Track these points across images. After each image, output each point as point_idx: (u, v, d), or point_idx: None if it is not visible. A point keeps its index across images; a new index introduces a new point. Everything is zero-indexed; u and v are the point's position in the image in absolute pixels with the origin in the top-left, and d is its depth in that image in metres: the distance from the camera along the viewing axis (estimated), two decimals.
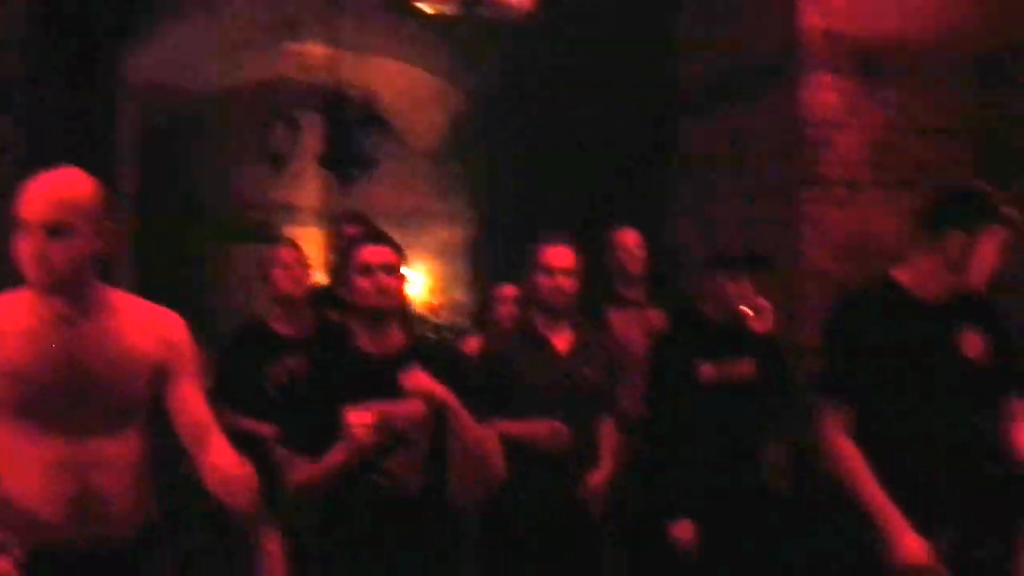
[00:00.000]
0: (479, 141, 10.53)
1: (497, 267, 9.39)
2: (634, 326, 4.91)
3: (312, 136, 9.62)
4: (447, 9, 7.89)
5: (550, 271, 4.06)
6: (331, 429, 2.93)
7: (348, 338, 3.17)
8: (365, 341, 3.14)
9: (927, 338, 3.14)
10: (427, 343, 3.33)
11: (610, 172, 7.49)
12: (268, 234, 12.10)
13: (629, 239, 5.14)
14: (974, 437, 3.22)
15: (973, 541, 3.14)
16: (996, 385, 3.25)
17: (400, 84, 10.90)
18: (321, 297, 5.01)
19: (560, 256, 4.08)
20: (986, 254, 3.10)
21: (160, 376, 2.83)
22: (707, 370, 4.20)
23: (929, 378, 3.13)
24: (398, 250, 3.20)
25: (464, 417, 3.03)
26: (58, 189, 2.63)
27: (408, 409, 3.02)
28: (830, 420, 3.17)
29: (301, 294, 4.66)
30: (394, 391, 2.97)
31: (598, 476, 4.06)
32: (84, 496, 2.68)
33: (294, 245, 4.85)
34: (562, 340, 4.13)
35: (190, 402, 2.86)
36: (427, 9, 7.90)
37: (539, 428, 3.95)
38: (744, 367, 4.22)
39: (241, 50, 10.24)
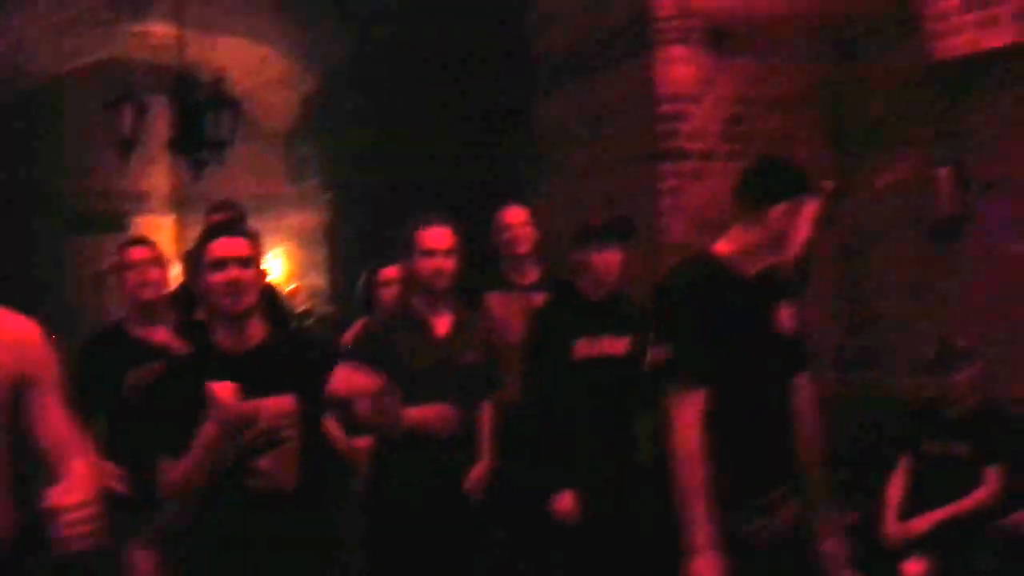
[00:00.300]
0: (332, 122, 10.36)
1: (352, 250, 9.29)
2: (515, 309, 4.74)
3: (161, 120, 9.28)
4: None
5: (428, 252, 4.00)
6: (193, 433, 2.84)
7: (208, 336, 3.05)
8: (224, 338, 3.01)
9: (750, 313, 3.13)
10: (291, 336, 3.20)
11: (467, 150, 7.44)
12: (118, 223, 11.72)
13: (513, 217, 4.92)
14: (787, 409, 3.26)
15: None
16: (798, 358, 3.28)
17: (250, 64, 10.63)
18: (183, 294, 4.82)
19: (438, 237, 4.02)
20: (803, 226, 3.11)
21: (17, 391, 2.58)
22: (582, 346, 4.21)
23: (755, 353, 3.13)
24: (254, 240, 3.08)
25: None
26: None
27: (276, 405, 2.94)
28: (676, 407, 3.01)
29: (156, 296, 4.40)
30: (258, 388, 2.89)
31: (478, 470, 4.05)
32: None
33: (145, 243, 4.58)
34: (442, 323, 4.08)
35: (50, 421, 2.63)
36: None
37: (427, 412, 3.91)
38: (619, 343, 4.23)
39: (84, 30, 9.85)
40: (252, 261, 3.00)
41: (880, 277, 5.53)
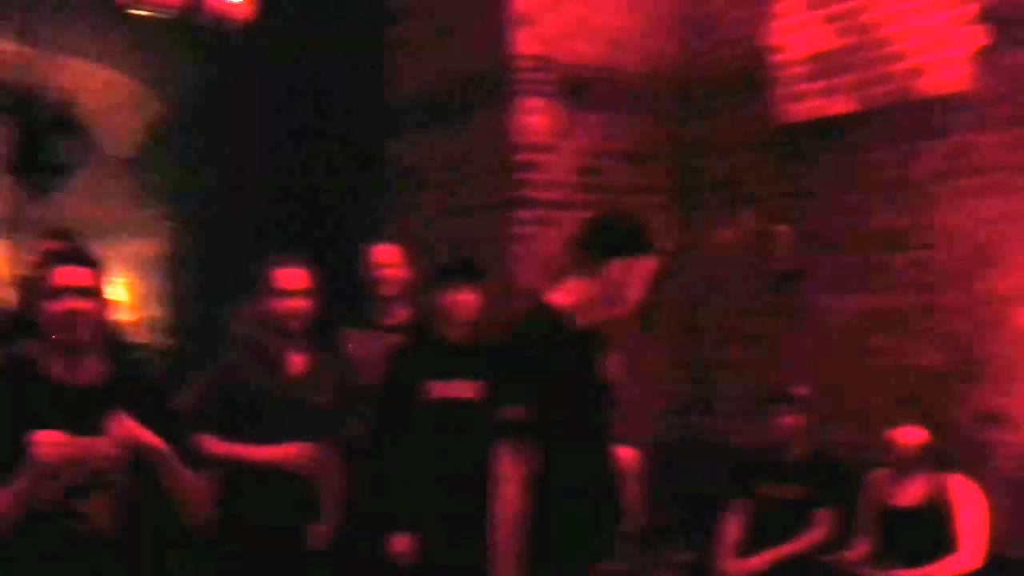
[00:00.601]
0: (180, 150, 10.18)
1: (195, 282, 9.11)
2: (373, 349, 4.63)
3: (0, 140, 8.97)
4: (163, 13, 7.58)
5: (282, 293, 3.94)
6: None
7: (37, 366, 2.90)
8: (59, 370, 2.87)
9: (580, 364, 3.23)
10: (129, 376, 3.08)
11: (319, 187, 7.41)
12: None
13: (383, 256, 4.78)
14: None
15: None
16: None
17: (97, 87, 10.36)
18: (14, 322, 4.65)
19: (293, 278, 3.97)
20: (637, 283, 3.21)
21: None
22: (435, 388, 4.25)
23: (585, 403, 3.23)
24: (97, 270, 2.94)
25: (171, 461, 2.90)
26: None
27: (104, 446, 2.82)
28: (511, 461, 3.10)
29: None
30: (90, 427, 2.78)
31: (322, 528, 4.01)
32: None
33: None
34: (296, 363, 4.04)
35: None
36: (142, 12, 7.55)
37: (286, 451, 3.87)
38: (471, 387, 4.20)
39: None
40: (93, 292, 2.88)
41: (720, 327, 5.77)
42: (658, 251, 3.24)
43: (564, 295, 3.24)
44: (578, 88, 5.61)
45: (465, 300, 4.30)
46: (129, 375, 3.10)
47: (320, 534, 4.00)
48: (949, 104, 4.70)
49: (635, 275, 3.19)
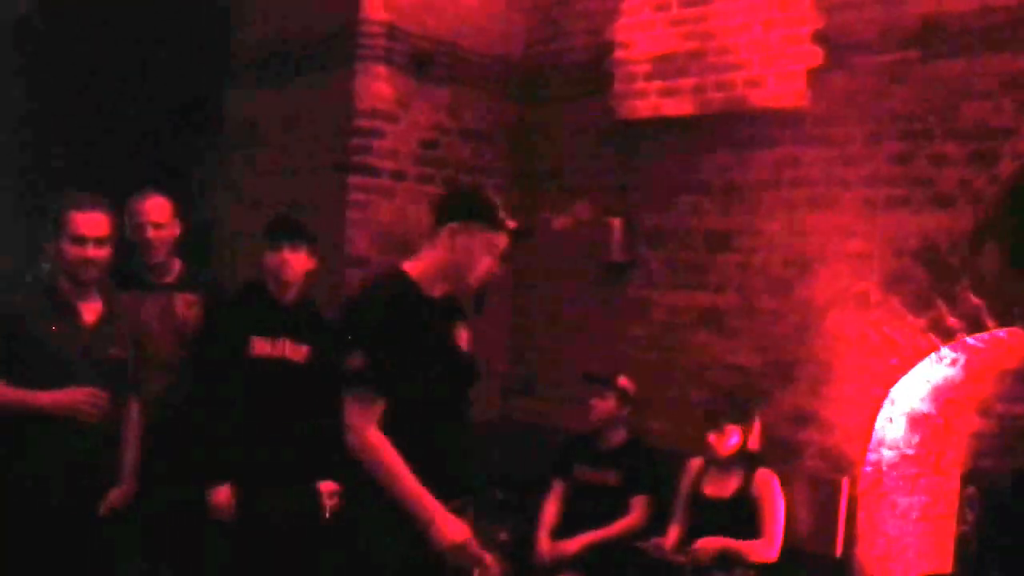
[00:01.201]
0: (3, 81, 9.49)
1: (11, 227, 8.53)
2: (153, 311, 4.38)
3: None
4: None
5: (80, 240, 3.72)
6: None
7: None
8: None
9: (432, 329, 3.25)
10: None
11: (146, 135, 7.07)
12: None
13: (154, 212, 4.41)
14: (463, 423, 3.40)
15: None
16: (473, 376, 3.42)
17: None
18: None
19: (92, 224, 3.75)
20: (480, 257, 3.24)
21: None
22: (258, 345, 4.18)
23: (438, 369, 3.23)
24: None
25: None
26: None
27: None
28: (357, 411, 3.09)
29: None
30: None
31: (118, 493, 3.87)
32: None
33: None
34: (90, 310, 3.84)
35: None
36: None
37: (72, 396, 3.69)
38: (299, 349, 4.22)
39: None
40: None
41: (548, 313, 5.88)
42: (504, 228, 3.26)
43: (415, 264, 3.26)
44: (423, 60, 5.57)
45: (294, 260, 4.21)
46: None
47: (116, 498, 3.85)
48: (780, 117, 4.91)
49: (479, 248, 3.22)
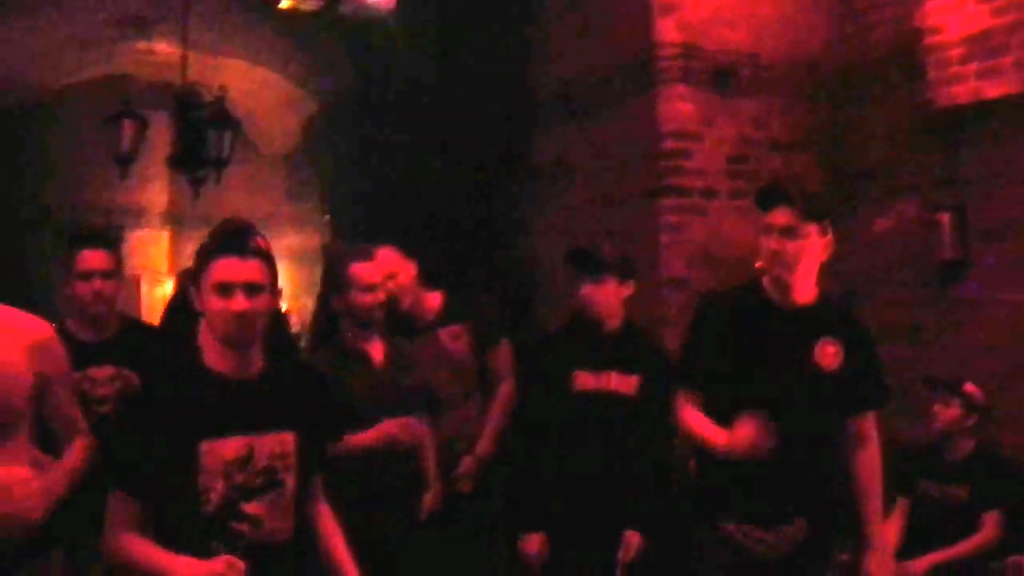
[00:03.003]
0: (331, 146, 10.38)
1: None
2: (428, 354, 4.47)
3: (160, 136, 9.30)
4: (305, 6, 7.74)
5: (364, 287, 3.92)
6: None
7: (198, 357, 2.72)
8: (220, 363, 2.67)
9: (780, 342, 3.18)
10: (293, 366, 3.02)
11: (464, 180, 7.43)
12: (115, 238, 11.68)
13: (382, 263, 4.26)
14: (819, 445, 3.31)
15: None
16: (847, 399, 3.30)
17: (251, 86, 10.67)
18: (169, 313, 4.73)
19: (368, 272, 3.95)
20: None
21: (41, 387, 2.98)
22: (583, 379, 4.04)
23: (777, 380, 3.18)
24: (268, 263, 2.68)
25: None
26: None
27: (274, 442, 2.65)
28: (681, 401, 3.41)
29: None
30: (255, 419, 2.63)
31: (430, 497, 4.04)
32: None
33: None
34: (376, 351, 4.02)
35: (62, 408, 3.10)
36: (283, 4, 7.73)
37: (390, 427, 3.85)
38: (627, 380, 4.04)
39: (89, 46, 9.86)
40: (264, 288, 2.64)
41: (878, 319, 5.54)
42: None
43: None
44: (724, 75, 5.49)
45: (595, 292, 4.03)
46: (291, 368, 2.97)
47: (430, 503, 4.04)
48: None
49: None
